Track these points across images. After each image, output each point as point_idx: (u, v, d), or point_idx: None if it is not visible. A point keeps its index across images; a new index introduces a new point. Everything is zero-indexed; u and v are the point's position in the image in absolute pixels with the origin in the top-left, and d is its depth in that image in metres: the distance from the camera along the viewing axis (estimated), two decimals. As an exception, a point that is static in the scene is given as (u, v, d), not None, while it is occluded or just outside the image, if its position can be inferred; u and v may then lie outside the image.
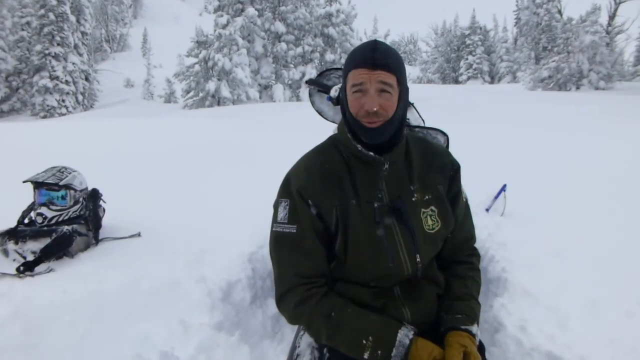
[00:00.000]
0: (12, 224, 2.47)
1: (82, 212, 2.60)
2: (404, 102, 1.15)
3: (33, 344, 1.73)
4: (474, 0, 44.11)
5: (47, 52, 28.21)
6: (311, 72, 23.38)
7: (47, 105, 27.88)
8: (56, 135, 6.97)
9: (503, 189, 2.94)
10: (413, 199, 1.21)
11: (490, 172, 3.72)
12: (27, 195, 2.53)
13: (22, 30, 29.92)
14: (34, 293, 1.97)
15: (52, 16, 28.39)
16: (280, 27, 23.70)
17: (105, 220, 2.75)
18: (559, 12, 26.14)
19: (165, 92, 33.94)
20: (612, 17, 23.46)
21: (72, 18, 30.09)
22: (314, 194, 1.17)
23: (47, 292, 1.96)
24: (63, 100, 28.66)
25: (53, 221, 2.46)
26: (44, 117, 26.89)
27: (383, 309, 1.18)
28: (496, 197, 2.96)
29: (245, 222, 2.80)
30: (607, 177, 3.78)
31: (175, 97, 32.19)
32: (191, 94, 23.24)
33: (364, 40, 24.84)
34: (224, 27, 21.97)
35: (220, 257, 2.44)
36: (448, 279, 1.28)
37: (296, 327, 1.41)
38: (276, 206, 1.23)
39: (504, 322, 1.91)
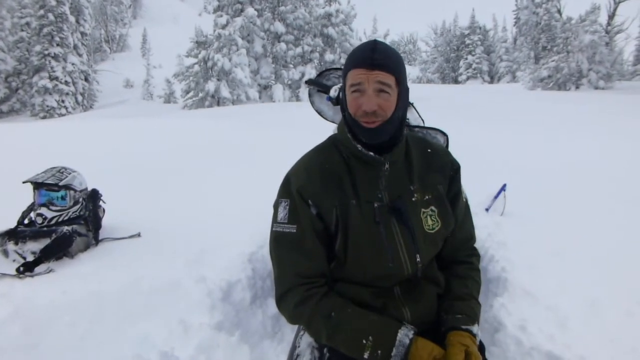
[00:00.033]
0: (12, 224, 2.47)
1: (82, 213, 2.60)
2: (404, 103, 1.15)
3: (33, 344, 1.73)
4: (474, 0, 44.14)
5: (46, 52, 28.22)
6: (311, 72, 23.37)
7: (47, 106, 27.89)
8: (56, 136, 6.97)
9: (503, 188, 2.95)
10: (413, 199, 1.21)
11: (490, 172, 3.72)
12: (27, 196, 2.53)
13: (22, 30, 29.93)
14: (34, 293, 1.97)
15: (51, 17, 28.40)
16: (279, 27, 23.70)
17: (105, 221, 2.75)
18: (559, 11, 26.15)
19: (164, 92, 33.93)
20: (611, 16, 23.48)
21: (72, 18, 30.09)
22: (314, 194, 1.17)
23: (47, 293, 1.97)
24: (62, 101, 28.67)
25: (53, 222, 2.46)
26: (44, 117, 26.90)
27: (383, 308, 1.18)
28: (496, 197, 2.96)
29: (245, 222, 2.80)
30: (607, 176, 3.78)
31: (175, 97, 32.17)
32: (191, 94, 23.24)
33: (364, 40, 24.92)
34: (224, 27, 21.97)
35: (220, 257, 2.44)
36: (448, 279, 1.28)
37: (296, 327, 1.41)
38: (276, 206, 1.23)
39: (504, 322, 1.91)
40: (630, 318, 1.79)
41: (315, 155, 1.26)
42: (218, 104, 21.32)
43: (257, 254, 2.55)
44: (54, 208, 2.48)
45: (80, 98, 30.37)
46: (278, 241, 1.20)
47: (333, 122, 2.15)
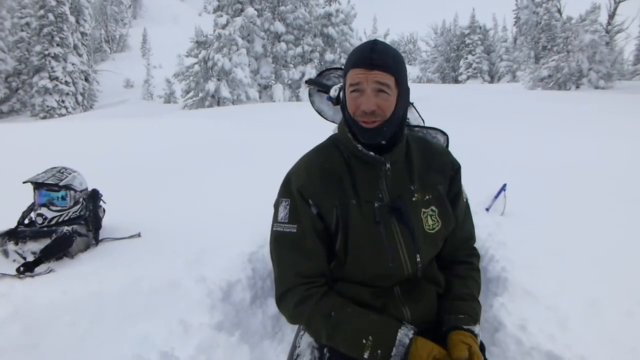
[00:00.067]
0: (12, 224, 2.47)
1: (82, 213, 2.60)
2: (404, 103, 1.15)
3: (33, 344, 1.73)
4: (474, 0, 44.13)
5: (46, 52, 28.23)
6: (311, 72, 23.39)
7: (47, 106, 27.90)
8: (56, 136, 6.97)
9: (503, 188, 2.94)
10: (413, 199, 1.21)
11: (490, 172, 3.72)
12: (27, 196, 2.53)
13: (22, 31, 29.93)
14: (34, 293, 1.97)
15: (51, 17, 28.40)
16: (279, 27, 23.71)
17: (105, 221, 2.75)
18: (559, 11, 26.13)
19: (164, 92, 33.95)
20: (611, 16, 23.46)
21: (72, 19, 30.10)
22: (315, 194, 1.17)
23: (47, 293, 1.97)
24: (63, 101, 28.67)
25: (53, 222, 2.46)
26: (44, 117, 26.91)
27: (383, 308, 1.18)
28: (496, 197, 2.96)
29: (245, 222, 2.80)
30: (607, 176, 3.78)
31: (175, 97, 32.19)
32: (191, 94, 23.24)
33: (364, 40, 24.92)
34: (224, 27, 21.97)
35: (220, 257, 2.44)
36: (448, 279, 1.28)
37: (296, 327, 1.41)
38: (276, 206, 1.23)
39: (504, 322, 1.91)
40: (630, 318, 1.79)
41: (315, 155, 1.26)
42: (218, 104, 21.32)
43: (257, 254, 2.55)
44: (54, 208, 2.48)
45: (80, 98, 30.37)
46: (278, 241, 1.20)
47: (333, 122, 2.15)
